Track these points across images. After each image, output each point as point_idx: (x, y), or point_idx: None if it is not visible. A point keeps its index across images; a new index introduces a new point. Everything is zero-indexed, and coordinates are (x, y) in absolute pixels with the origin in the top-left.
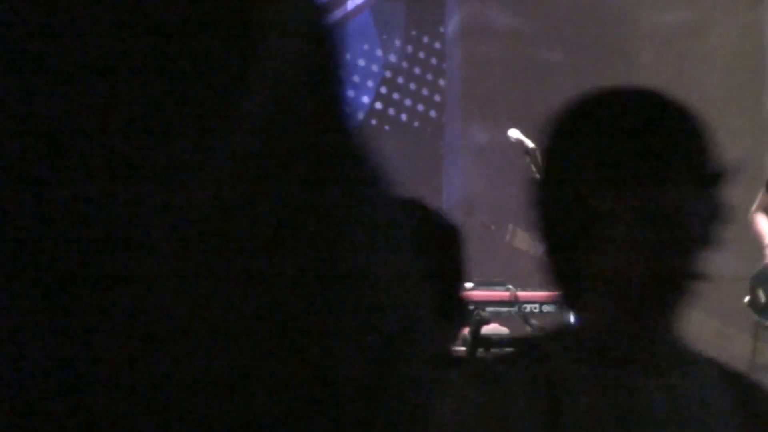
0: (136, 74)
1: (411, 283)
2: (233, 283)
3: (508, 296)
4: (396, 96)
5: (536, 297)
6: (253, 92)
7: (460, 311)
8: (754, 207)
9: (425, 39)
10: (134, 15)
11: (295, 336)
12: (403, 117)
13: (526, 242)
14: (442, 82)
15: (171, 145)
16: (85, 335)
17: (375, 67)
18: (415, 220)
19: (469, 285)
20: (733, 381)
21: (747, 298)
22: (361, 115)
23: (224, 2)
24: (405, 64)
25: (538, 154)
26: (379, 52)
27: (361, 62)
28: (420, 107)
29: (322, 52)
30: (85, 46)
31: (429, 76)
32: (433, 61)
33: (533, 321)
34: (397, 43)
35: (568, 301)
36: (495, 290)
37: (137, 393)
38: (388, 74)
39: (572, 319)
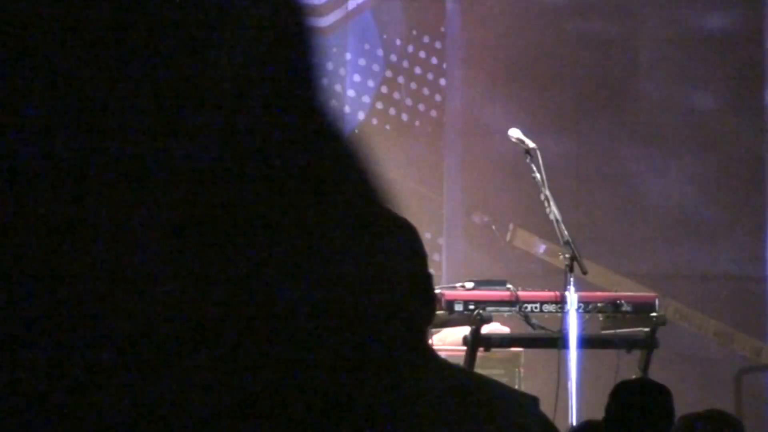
0: (95, 69)
1: (387, 273)
2: (209, 275)
3: (509, 296)
4: (396, 95)
5: (537, 297)
6: (215, 89)
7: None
8: None
9: (426, 38)
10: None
11: (273, 320)
12: (404, 117)
13: (526, 242)
14: (442, 81)
15: (127, 144)
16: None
17: (376, 67)
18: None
19: (469, 285)
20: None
21: None
22: (362, 115)
23: None
24: (405, 64)
25: (538, 153)
26: (379, 52)
27: (362, 62)
28: (421, 107)
29: (289, 43)
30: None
31: (429, 76)
32: (434, 60)
33: (534, 320)
34: (398, 42)
35: None
36: (495, 290)
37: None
38: (388, 74)
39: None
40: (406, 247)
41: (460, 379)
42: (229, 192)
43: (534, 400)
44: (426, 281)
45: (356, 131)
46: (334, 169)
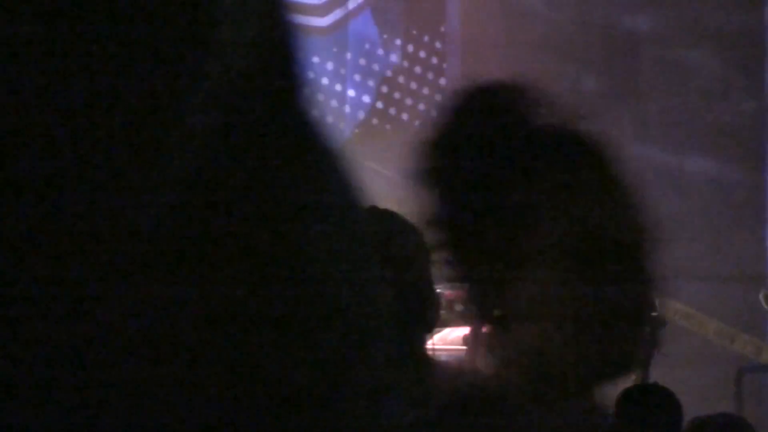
0: (80, 68)
1: (370, 288)
2: (185, 288)
3: None
4: (397, 95)
5: None
6: (204, 92)
7: (429, 315)
8: None
9: (426, 38)
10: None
11: (248, 341)
12: (405, 116)
13: None
14: (442, 81)
15: (119, 149)
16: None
17: (376, 66)
18: (376, 225)
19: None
20: None
21: (763, 293)
22: (362, 114)
23: None
24: (406, 64)
25: None
26: (380, 51)
27: (362, 61)
28: (421, 106)
29: (277, 47)
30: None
31: (430, 76)
32: (434, 60)
33: None
34: (398, 42)
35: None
36: None
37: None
38: (389, 73)
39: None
40: (404, 251)
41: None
42: (213, 205)
43: None
44: (427, 282)
45: (356, 131)
46: (321, 183)
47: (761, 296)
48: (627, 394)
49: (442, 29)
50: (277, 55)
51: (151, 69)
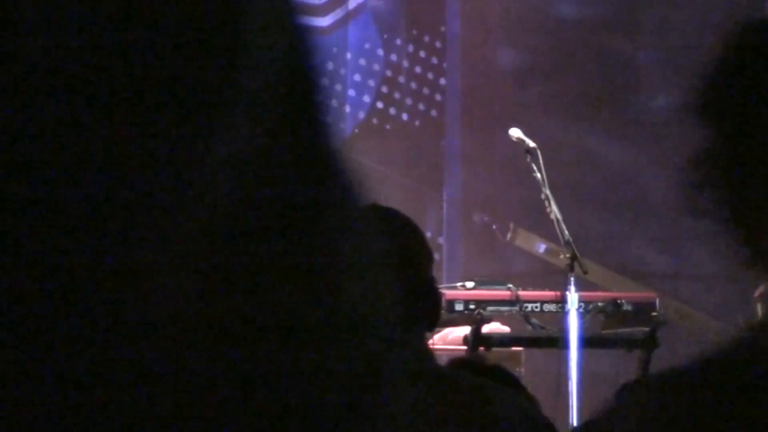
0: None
1: (388, 299)
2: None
3: (509, 295)
4: (397, 95)
5: (537, 296)
6: (233, 114)
7: (430, 314)
8: None
9: (426, 38)
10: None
11: (274, 361)
12: (404, 116)
13: (527, 242)
14: (442, 81)
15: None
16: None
17: (376, 66)
18: (387, 235)
19: (470, 284)
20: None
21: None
22: (362, 114)
23: (201, 18)
24: (406, 63)
25: (538, 153)
26: (380, 51)
27: (362, 61)
28: (421, 106)
29: (302, 71)
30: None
31: (430, 75)
32: (434, 60)
33: (534, 320)
34: (398, 42)
35: None
36: (496, 289)
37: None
38: (389, 73)
39: None
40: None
41: (453, 381)
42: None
43: (533, 403)
44: (428, 284)
45: (356, 131)
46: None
47: (755, 298)
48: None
49: (442, 29)
50: (303, 65)
51: (185, 90)
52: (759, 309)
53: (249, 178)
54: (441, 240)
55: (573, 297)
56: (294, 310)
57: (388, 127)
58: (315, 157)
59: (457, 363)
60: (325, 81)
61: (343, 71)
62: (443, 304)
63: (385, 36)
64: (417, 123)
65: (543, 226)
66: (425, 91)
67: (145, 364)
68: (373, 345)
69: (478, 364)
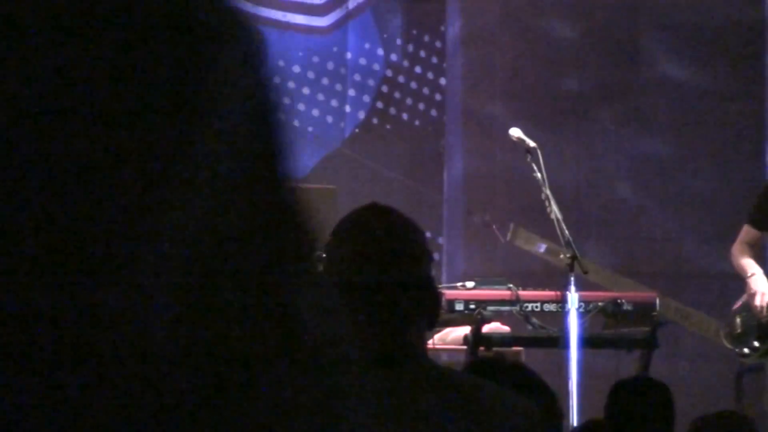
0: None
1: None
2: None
3: (510, 295)
4: (397, 95)
5: (537, 296)
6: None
7: (429, 313)
8: (737, 240)
9: (426, 38)
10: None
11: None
12: (404, 116)
13: (527, 242)
14: (442, 80)
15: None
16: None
17: (376, 66)
18: (377, 223)
19: (470, 284)
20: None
21: (723, 330)
22: (362, 114)
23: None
24: (406, 63)
25: (538, 152)
26: (380, 51)
27: (362, 61)
28: (421, 106)
29: (266, 128)
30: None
31: (430, 75)
32: (434, 59)
33: (534, 320)
34: (398, 41)
35: None
36: (496, 289)
37: None
38: (389, 73)
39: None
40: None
41: (451, 382)
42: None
43: (533, 403)
44: (426, 284)
45: (356, 131)
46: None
47: (734, 310)
48: (619, 387)
49: (442, 29)
50: (268, 118)
51: (155, 129)
52: (737, 321)
53: (203, 250)
54: (441, 240)
55: (573, 297)
56: (253, 345)
57: (388, 127)
58: (270, 219)
59: (478, 363)
60: (284, 134)
61: (343, 71)
62: (443, 304)
63: (385, 36)
64: (417, 123)
65: (543, 227)
66: (425, 91)
67: None
68: (332, 379)
69: (499, 363)
